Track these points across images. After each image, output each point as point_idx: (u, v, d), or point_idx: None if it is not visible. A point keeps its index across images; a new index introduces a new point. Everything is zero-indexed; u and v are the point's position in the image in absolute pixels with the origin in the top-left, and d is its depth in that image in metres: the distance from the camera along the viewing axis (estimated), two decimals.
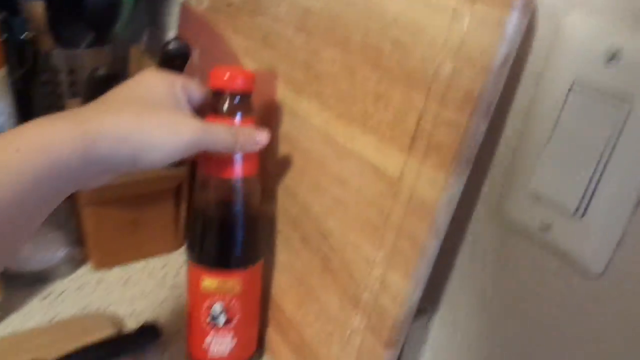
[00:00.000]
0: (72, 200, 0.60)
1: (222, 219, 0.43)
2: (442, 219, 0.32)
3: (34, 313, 0.53)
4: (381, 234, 0.35)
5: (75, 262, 0.60)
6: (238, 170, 0.40)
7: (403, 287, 0.34)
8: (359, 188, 0.37)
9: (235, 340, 0.46)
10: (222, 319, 0.44)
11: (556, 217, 0.31)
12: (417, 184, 0.32)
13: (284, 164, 0.46)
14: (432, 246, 0.33)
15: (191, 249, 0.44)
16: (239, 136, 0.37)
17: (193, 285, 0.44)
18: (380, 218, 0.35)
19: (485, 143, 0.35)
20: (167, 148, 0.32)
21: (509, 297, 0.36)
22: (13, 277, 0.55)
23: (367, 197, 0.37)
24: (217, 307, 0.44)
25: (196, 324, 0.45)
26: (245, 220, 0.43)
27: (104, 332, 0.50)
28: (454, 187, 0.31)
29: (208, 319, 0.44)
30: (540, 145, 0.31)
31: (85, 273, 0.60)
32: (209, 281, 0.43)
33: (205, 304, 0.44)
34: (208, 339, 0.45)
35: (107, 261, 0.60)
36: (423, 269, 0.34)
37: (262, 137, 0.39)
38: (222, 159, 0.39)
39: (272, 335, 0.50)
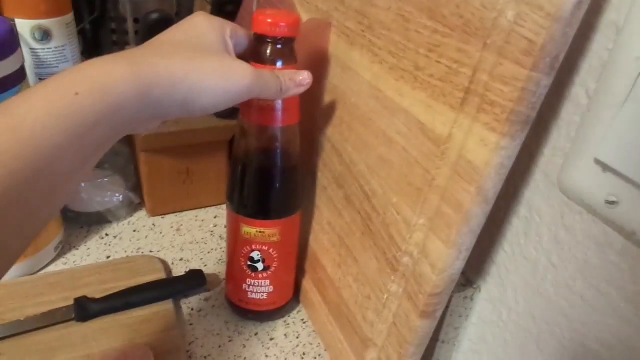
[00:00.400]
0: (131, 145, 0.62)
1: (261, 167, 0.43)
2: (492, 184, 0.29)
3: (91, 252, 0.56)
4: (424, 196, 0.33)
5: (132, 206, 0.62)
6: (279, 117, 0.40)
7: (443, 255, 0.32)
8: (405, 147, 0.35)
9: (272, 287, 0.47)
10: (259, 265, 0.45)
11: (625, 193, 0.27)
12: (466, 144, 0.30)
13: (332, 119, 0.44)
14: (479, 213, 0.30)
15: (230, 198, 0.45)
16: (283, 80, 0.36)
17: (233, 230, 0.45)
18: (425, 180, 0.33)
19: (549, 102, 0.31)
20: (218, 93, 0.32)
21: (565, 276, 0.33)
22: (73, 218, 0.58)
23: (412, 157, 0.34)
24: (255, 254, 0.45)
25: (235, 268, 0.46)
26: (284, 170, 0.43)
27: (153, 275, 0.52)
28: (508, 150, 0.28)
29: (246, 264, 0.45)
30: (614, 108, 0.27)
31: (140, 217, 0.62)
32: (248, 228, 0.44)
33: (244, 250, 0.45)
34: (246, 283, 0.46)
35: (160, 208, 0.62)
36: (467, 238, 0.31)
37: (304, 77, 0.37)
38: (264, 106, 0.39)
39: (310, 289, 0.50)
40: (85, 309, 0.47)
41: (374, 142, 0.38)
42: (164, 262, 0.55)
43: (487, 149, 0.28)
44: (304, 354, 0.47)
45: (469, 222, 0.30)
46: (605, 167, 0.28)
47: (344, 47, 0.42)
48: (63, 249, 0.55)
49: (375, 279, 0.39)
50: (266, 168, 0.43)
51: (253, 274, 0.46)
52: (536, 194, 0.34)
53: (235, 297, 0.49)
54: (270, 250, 0.45)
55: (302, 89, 0.38)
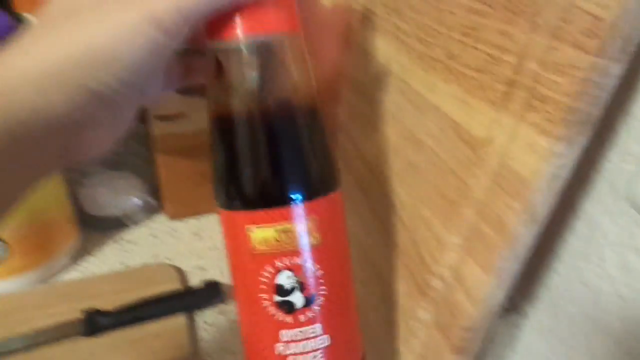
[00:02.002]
0: (149, 146, 0.59)
1: (267, 114, 0.25)
2: (543, 199, 0.23)
3: (107, 258, 0.53)
4: (458, 211, 0.28)
5: (151, 210, 0.59)
6: (271, 20, 0.24)
7: (482, 283, 0.26)
8: (436, 151, 0.29)
9: (327, 337, 0.27)
10: (298, 298, 0.26)
11: None
12: (510, 150, 0.24)
13: (355, 116, 0.39)
14: (526, 235, 0.24)
15: (221, 189, 0.26)
16: None
17: (237, 242, 0.26)
18: (459, 191, 0.28)
19: (618, 96, 0.25)
20: (127, 56, 0.21)
21: (633, 306, 0.27)
22: (90, 222, 0.55)
23: (444, 163, 0.29)
24: (285, 277, 0.26)
25: (257, 316, 0.27)
26: (303, 113, 0.25)
27: (168, 285, 0.49)
28: (563, 158, 0.22)
29: (274, 301, 0.26)
30: None
31: (159, 222, 0.59)
32: (261, 232, 0.25)
33: (264, 275, 0.26)
34: (281, 340, 0.26)
35: (181, 211, 0.59)
36: (511, 263, 0.25)
37: None
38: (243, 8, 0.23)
39: None
40: (94, 323, 0.44)
41: (401, 144, 0.33)
42: (180, 271, 0.52)
43: (536, 157, 0.22)
44: None
45: (513, 245, 0.25)
46: None
47: (368, 35, 0.37)
48: (78, 254, 0.53)
49: (404, 303, 0.34)
50: (275, 114, 0.25)
51: (290, 318, 0.26)
52: (598, 208, 0.28)
53: None
54: (310, 265, 0.26)
55: None
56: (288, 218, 0.25)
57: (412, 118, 0.32)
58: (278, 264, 0.25)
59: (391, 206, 0.34)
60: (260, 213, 0.25)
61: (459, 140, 0.27)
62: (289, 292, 0.26)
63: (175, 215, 0.59)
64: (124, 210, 0.56)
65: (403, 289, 0.33)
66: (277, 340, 0.27)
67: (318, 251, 0.26)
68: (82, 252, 0.53)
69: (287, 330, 0.26)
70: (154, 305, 0.46)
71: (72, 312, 0.45)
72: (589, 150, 0.27)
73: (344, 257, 0.28)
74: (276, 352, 0.27)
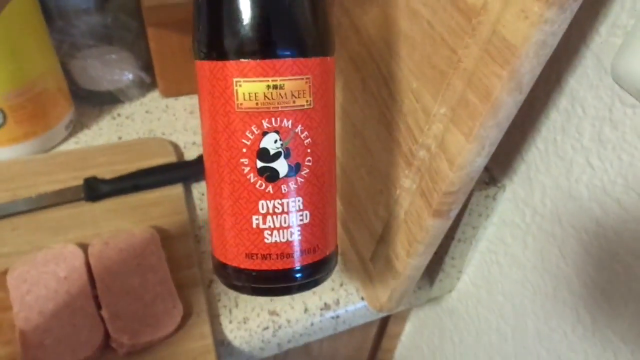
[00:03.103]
0: (140, 20, 0.58)
1: None
2: (529, 67, 0.24)
3: (103, 132, 0.54)
4: (448, 81, 0.28)
5: (145, 86, 0.59)
6: None
7: (464, 150, 0.28)
8: (430, 21, 0.29)
9: (307, 214, 0.25)
10: (282, 166, 0.24)
11: None
12: (503, 17, 0.24)
13: None
14: (509, 104, 0.25)
15: (202, 36, 0.24)
16: None
17: (218, 104, 0.24)
18: (450, 61, 0.28)
19: None
20: None
21: (603, 179, 0.29)
22: (84, 96, 0.56)
23: (437, 33, 0.29)
24: (271, 139, 0.23)
25: (233, 185, 0.25)
26: None
27: (164, 158, 0.50)
28: (554, 24, 0.23)
29: (256, 167, 0.24)
30: None
31: (153, 99, 0.59)
32: (250, 85, 0.23)
33: (247, 137, 0.24)
34: (260, 213, 0.24)
35: (174, 89, 0.59)
36: (492, 132, 0.27)
37: None
38: None
39: None
40: (95, 189, 0.46)
41: (396, 15, 0.33)
42: (176, 146, 0.53)
43: (527, 22, 0.23)
44: None
45: (496, 113, 0.26)
46: None
47: None
48: (75, 128, 0.54)
49: (389, 173, 0.36)
50: None
51: (270, 187, 0.24)
52: (583, 82, 0.29)
53: (238, 256, 0.26)
54: (300, 129, 0.24)
55: None
56: (282, 72, 0.23)
57: None
58: (265, 124, 0.23)
59: (382, 79, 0.35)
60: (252, 64, 0.23)
61: (454, 8, 0.27)
62: (273, 157, 0.24)
63: (168, 93, 0.59)
64: (117, 85, 0.56)
65: (389, 159, 0.35)
66: (255, 212, 0.24)
67: (309, 116, 0.24)
68: (78, 125, 0.54)
69: (266, 201, 0.24)
70: (152, 175, 0.48)
71: (72, 180, 0.47)
72: (579, 22, 0.28)
73: (331, 128, 0.26)
74: (253, 225, 0.25)
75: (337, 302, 0.42)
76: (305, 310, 0.41)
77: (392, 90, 0.34)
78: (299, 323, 0.41)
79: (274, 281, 0.26)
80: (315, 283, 0.27)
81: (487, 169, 0.38)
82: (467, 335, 0.46)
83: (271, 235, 0.25)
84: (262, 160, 0.24)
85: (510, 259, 0.38)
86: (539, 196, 0.34)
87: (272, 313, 0.41)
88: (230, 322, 0.40)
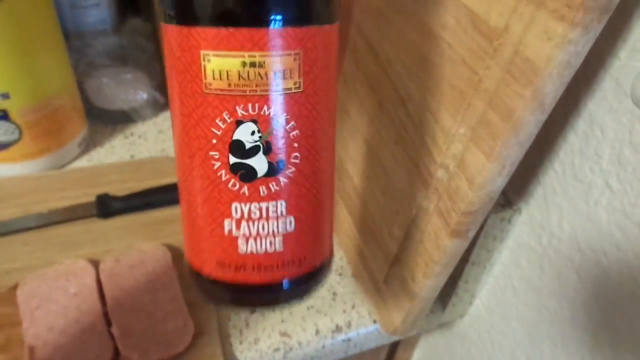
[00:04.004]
0: (156, 42, 0.59)
1: None
2: (552, 87, 0.24)
3: (116, 150, 0.55)
4: (468, 102, 0.29)
5: (158, 106, 0.59)
6: None
7: (484, 169, 0.28)
8: (451, 43, 0.30)
9: (292, 219, 0.21)
10: (260, 162, 0.20)
11: None
12: (525, 39, 0.25)
13: (369, 12, 0.38)
14: (531, 123, 0.26)
15: None
16: None
17: (183, 82, 0.19)
18: (471, 82, 0.28)
19: None
20: None
21: (623, 202, 0.29)
22: (98, 114, 0.56)
23: (458, 55, 0.29)
24: (246, 129, 0.19)
25: (199, 180, 0.21)
26: None
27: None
28: (578, 45, 0.23)
29: (228, 163, 0.20)
30: None
31: (166, 118, 0.59)
32: (220, 62, 0.18)
33: (216, 125, 0.19)
34: (232, 216, 0.21)
35: None
36: (514, 151, 0.27)
37: None
38: None
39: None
40: (106, 206, 0.46)
41: (416, 38, 0.33)
42: None
43: (551, 44, 0.23)
44: None
45: (518, 132, 0.26)
46: None
47: None
48: (88, 146, 0.54)
49: (406, 193, 0.36)
50: None
51: (246, 188, 0.20)
52: (602, 106, 0.29)
53: (207, 264, 0.22)
54: (282, 117, 0.19)
55: None
56: (261, 45, 0.17)
57: (428, 11, 0.32)
58: (240, 111, 0.18)
59: (400, 101, 0.35)
60: (223, 32, 0.17)
61: (475, 31, 0.28)
62: (249, 153, 0.19)
63: None
64: (131, 105, 0.57)
65: (406, 179, 0.35)
66: (227, 216, 0.20)
67: (297, 102, 0.19)
68: (91, 143, 0.55)
69: (240, 204, 0.20)
70: (163, 193, 0.48)
71: (84, 196, 0.47)
72: (598, 45, 0.28)
73: (329, 118, 0.21)
74: (225, 231, 0.20)
75: (349, 325, 0.41)
76: (317, 332, 0.41)
77: (409, 110, 0.34)
78: (310, 345, 0.40)
79: (250, 294, 0.22)
80: (302, 297, 0.23)
81: (503, 191, 0.38)
82: None
83: (246, 244, 0.21)
84: (235, 155, 0.19)
85: (526, 284, 0.38)
86: (556, 219, 0.34)
87: (284, 334, 0.40)
88: (241, 342, 0.39)
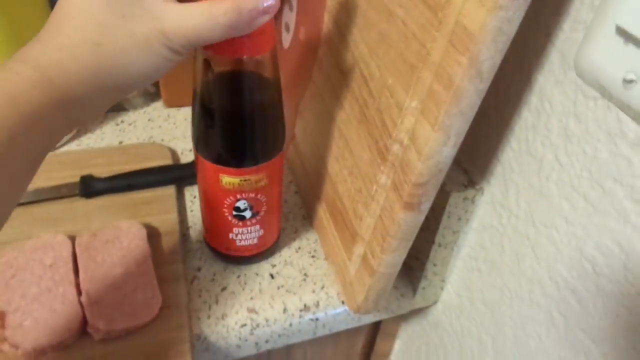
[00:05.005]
0: None
1: (244, 109, 0.34)
2: (488, 54, 0.25)
3: (105, 136, 0.56)
4: (418, 75, 0.29)
5: (149, 96, 0.61)
6: (256, 45, 0.31)
7: (430, 139, 0.29)
8: (404, 20, 0.31)
9: (262, 230, 0.42)
10: (247, 214, 0.40)
11: None
12: (465, 8, 0.25)
13: (340, 2, 0.40)
14: (471, 91, 0.26)
15: (201, 145, 0.37)
16: (241, 11, 0.26)
17: (210, 180, 0.38)
18: (419, 56, 0.29)
19: None
20: (147, 66, 0.26)
21: (570, 174, 0.29)
22: None
23: (410, 31, 0.30)
24: (242, 203, 0.39)
25: (218, 220, 0.41)
26: (270, 105, 0.35)
27: (161, 162, 0.52)
28: (508, 11, 0.24)
29: (232, 215, 0.40)
30: None
31: (156, 108, 0.61)
32: (230, 179, 0.37)
33: (227, 201, 0.39)
34: (233, 233, 0.41)
35: (176, 100, 0.61)
36: (457, 120, 0.28)
37: (269, 3, 0.27)
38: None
39: (311, 186, 0.48)
40: (90, 186, 0.48)
41: (376, 18, 0.34)
42: (173, 151, 0.55)
43: (484, 10, 0.24)
44: (299, 248, 0.46)
45: (458, 101, 0.27)
46: (627, 37, 0.23)
47: None
48: (79, 132, 0.56)
49: (367, 170, 0.36)
50: (250, 109, 0.34)
51: (241, 223, 0.40)
52: (550, 79, 0.29)
53: (220, 247, 0.43)
54: (259, 197, 0.39)
55: (267, 18, 0.27)
56: (248, 173, 0.37)
57: None
58: (238, 196, 0.39)
59: (363, 80, 0.36)
60: (230, 169, 0.37)
61: (424, 5, 0.29)
62: (242, 210, 0.40)
63: (172, 103, 0.61)
64: None
65: (368, 157, 0.36)
66: (232, 232, 0.41)
67: (264, 189, 0.39)
68: (82, 130, 0.56)
69: (238, 229, 0.41)
70: (145, 175, 0.49)
71: (70, 177, 0.49)
72: (545, 22, 0.29)
73: (279, 189, 0.41)
74: (230, 238, 0.42)
75: (317, 305, 0.42)
76: (285, 310, 0.41)
77: (370, 89, 0.35)
78: (277, 323, 0.41)
79: (240, 260, 0.44)
80: (265, 257, 0.46)
81: (465, 171, 0.38)
82: (451, 349, 0.46)
83: (240, 241, 0.42)
84: (236, 212, 0.40)
85: (490, 265, 0.38)
86: (514, 197, 0.34)
87: (251, 311, 0.41)
88: (209, 317, 0.40)
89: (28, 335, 0.35)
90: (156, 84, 0.61)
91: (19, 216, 0.45)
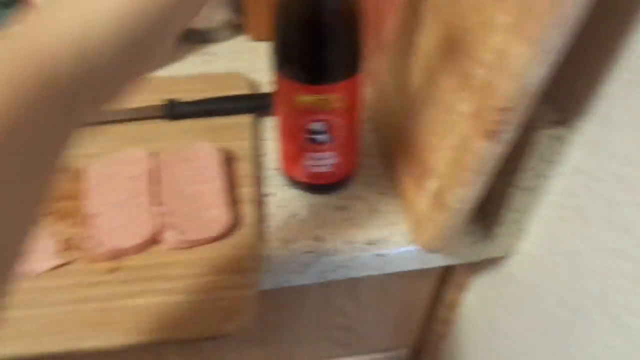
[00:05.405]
0: None
1: (325, 15, 0.33)
2: None
3: (190, 65, 0.58)
4: None
5: (234, 28, 0.62)
6: None
7: (521, 57, 0.26)
8: None
9: (336, 159, 0.41)
10: (322, 137, 0.39)
11: None
12: None
13: None
14: (573, 6, 0.23)
15: (278, 58, 0.36)
16: None
17: (285, 97, 0.38)
18: None
19: None
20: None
21: None
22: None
23: None
24: (317, 125, 0.38)
25: (294, 141, 0.40)
26: (352, 15, 0.34)
27: (241, 91, 0.52)
28: None
29: (306, 137, 0.39)
30: None
31: (241, 41, 0.61)
32: (306, 97, 0.36)
33: (302, 121, 0.38)
34: (306, 158, 0.41)
35: (261, 33, 0.61)
36: (553, 35, 0.24)
37: None
38: None
39: (385, 128, 0.46)
40: (173, 109, 0.49)
41: None
42: (254, 83, 0.55)
43: None
44: (370, 184, 0.45)
45: (559, 16, 0.23)
46: None
47: None
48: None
49: (446, 99, 0.34)
50: (327, 23, 0.34)
51: (315, 147, 0.40)
52: None
53: (294, 173, 0.43)
54: (334, 120, 0.38)
55: None
56: (323, 92, 0.36)
57: None
58: (314, 117, 0.38)
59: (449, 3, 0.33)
60: (307, 87, 0.36)
61: None
62: (317, 132, 0.39)
63: (256, 37, 0.61)
64: (209, 25, 0.59)
65: (449, 84, 0.33)
66: (305, 157, 0.41)
67: (339, 112, 0.38)
68: (168, 58, 0.58)
69: (312, 153, 0.40)
70: (225, 102, 0.50)
71: (153, 101, 0.51)
72: None
73: (356, 115, 0.40)
74: (304, 164, 0.42)
75: (384, 241, 0.41)
76: (350, 242, 0.41)
77: (461, 5, 0.32)
78: (342, 254, 0.40)
79: (312, 188, 0.44)
80: (337, 189, 0.45)
81: (559, 108, 0.34)
82: (528, 305, 0.43)
83: (314, 168, 0.42)
84: (311, 134, 0.39)
85: (579, 214, 0.35)
86: (619, 136, 0.30)
87: (317, 239, 0.41)
88: (275, 240, 0.41)
89: (110, 237, 0.38)
90: (242, 17, 0.61)
91: (107, 133, 0.48)
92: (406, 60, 0.42)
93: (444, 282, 0.54)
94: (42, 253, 0.38)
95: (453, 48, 0.33)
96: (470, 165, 0.31)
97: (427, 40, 0.38)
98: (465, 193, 0.32)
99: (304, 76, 0.36)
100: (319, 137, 0.39)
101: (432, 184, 0.36)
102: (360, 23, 0.35)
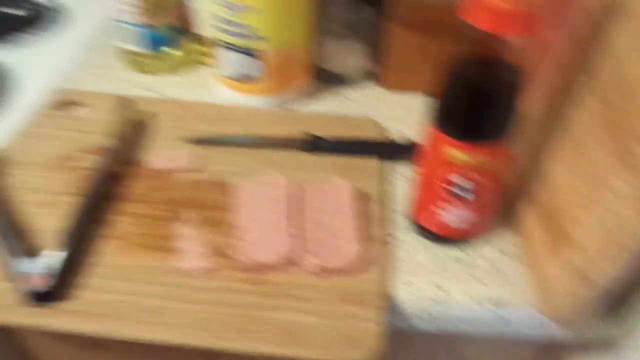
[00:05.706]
0: (379, 14, 0.64)
1: (491, 82, 0.38)
2: None
3: (326, 105, 0.62)
4: None
5: (369, 76, 0.66)
6: (519, 25, 0.33)
7: None
8: None
9: (473, 217, 0.43)
10: (464, 193, 0.41)
11: None
12: None
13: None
14: None
15: (440, 114, 0.40)
16: None
17: (433, 147, 0.41)
18: None
19: None
20: None
21: None
22: (318, 72, 0.64)
23: None
24: (461, 180, 0.41)
25: (430, 190, 0.43)
26: (513, 86, 0.37)
27: (371, 134, 0.56)
28: None
29: (447, 188, 0.42)
30: None
31: (374, 89, 0.65)
32: (455, 152, 0.39)
33: (446, 173, 0.41)
34: (441, 207, 0.43)
35: (395, 84, 0.64)
36: None
37: None
38: (500, 10, 0.32)
39: (513, 189, 0.47)
40: (314, 143, 0.53)
41: None
42: (386, 130, 0.58)
43: None
44: (493, 242, 0.47)
45: None
46: None
47: None
48: (305, 96, 0.63)
49: (599, 175, 0.35)
50: (497, 84, 0.37)
51: (451, 199, 0.42)
52: None
53: (423, 220, 0.46)
54: (476, 178, 0.40)
55: None
56: (473, 150, 0.39)
57: None
58: (458, 170, 0.40)
59: (614, 80, 0.35)
60: (459, 143, 0.39)
61: None
62: (457, 186, 0.41)
63: (390, 87, 0.64)
64: (347, 70, 0.64)
65: (603, 161, 0.34)
66: (440, 208, 0.43)
67: (484, 171, 0.40)
68: (307, 95, 0.63)
69: (449, 205, 0.43)
70: (363, 145, 0.54)
71: (293, 133, 0.55)
72: None
73: (497, 181, 0.42)
74: (436, 217, 0.44)
75: (506, 301, 0.42)
76: (473, 298, 0.42)
77: (622, 89, 0.34)
78: (464, 308, 0.42)
79: (441, 238, 0.46)
80: (461, 242, 0.47)
81: None
82: None
83: (448, 219, 0.44)
84: (451, 187, 0.41)
85: None
86: None
87: (439, 288, 0.42)
88: (402, 282, 0.43)
89: (253, 250, 0.42)
90: (376, 67, 0.65)
91: (250, 155, 0.53)
92: (547, 128, 0.44)
93: (546, 352, 0.53)
94: (194, 254, 0.42)
95: (615, 126, 0.34)
96: (626, 245, 0.31)
97: (580, 113, 0.39)
98: (615, 271, 0.33)
99: (459, 134, 0.39)
100: (460, 192, 0.41)
101: (573, 255, 0.37)
102: (521, 93, 0.37)
